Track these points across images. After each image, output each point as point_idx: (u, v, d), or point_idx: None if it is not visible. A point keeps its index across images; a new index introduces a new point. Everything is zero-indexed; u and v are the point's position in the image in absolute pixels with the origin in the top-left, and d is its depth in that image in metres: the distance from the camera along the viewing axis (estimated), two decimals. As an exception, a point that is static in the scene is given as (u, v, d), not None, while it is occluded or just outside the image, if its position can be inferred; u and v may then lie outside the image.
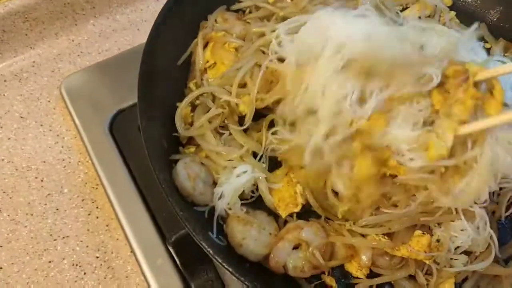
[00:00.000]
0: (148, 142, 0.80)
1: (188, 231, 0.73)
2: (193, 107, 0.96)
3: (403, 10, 1.15)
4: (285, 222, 0.87)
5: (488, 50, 1.10)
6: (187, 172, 0.83)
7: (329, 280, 0.83)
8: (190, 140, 0.93)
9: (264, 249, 0.82)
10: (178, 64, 1.00)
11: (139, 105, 0.82)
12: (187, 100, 0.93)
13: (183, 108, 0.92)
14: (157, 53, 0.92)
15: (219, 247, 0.79)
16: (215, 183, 0.87)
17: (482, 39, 1.11)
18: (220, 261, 0.73)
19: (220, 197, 0.85)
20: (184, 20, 1.01)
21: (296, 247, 0.83)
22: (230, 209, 0.84)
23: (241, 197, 0.87)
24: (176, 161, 0.86)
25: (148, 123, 0.82)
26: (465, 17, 1.15)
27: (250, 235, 0.81)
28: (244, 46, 0.96)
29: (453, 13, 1.15)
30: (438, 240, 0.79)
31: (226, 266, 0.72)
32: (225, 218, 0.85)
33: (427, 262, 0.79)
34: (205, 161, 0.89)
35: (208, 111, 0.92)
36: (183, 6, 0.99)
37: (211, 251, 0.73)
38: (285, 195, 0.88)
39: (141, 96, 0.83)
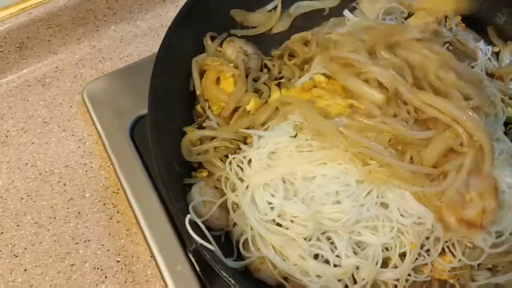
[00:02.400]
0: (161, 169, 0.80)
1: (208, 260, 0.74)
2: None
3: (408, 17, 1.15)
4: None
5: (496, 54, 1.10)
6: (201, 198, 0.84)
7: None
8: (202, 164, 0.94)
9: (282, 274, 0.80)
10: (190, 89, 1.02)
11: (150, 130, 0.83)
12: (191, 131, 0.95)
13: (188, 137, 0.94)
14: (166, 72, 0.93)
15: (238, 275, 0.79)
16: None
17: (490, 43, 1.11)
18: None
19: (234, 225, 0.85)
20: (193, 37, 1.03)
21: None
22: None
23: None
24: (190, 185, 0.87)
25: (161, 147, 0.83)
26: (472, 21, 1.13)
27: (268, 260, 0.80)
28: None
29: (459, 17, 1.14)
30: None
31: None
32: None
33: (451, 281, 0.79)
34: (219, 184, 0.89)
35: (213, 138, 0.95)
36: (191, 24, 1.00)
37: (232, 281, 0.73)
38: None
39: (152, 121, 0.85)
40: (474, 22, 1.13)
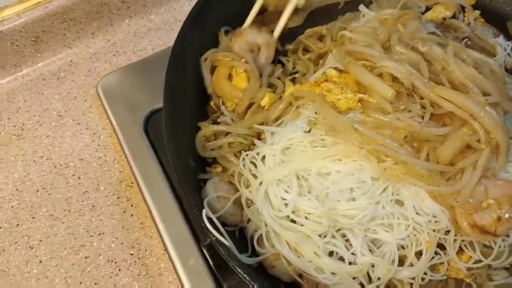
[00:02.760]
0: (176, 163, 0.80)
1: (222, 255, 0.74)
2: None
3: (425, 11, 1.13)
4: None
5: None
6: (216, 194, 0.83)
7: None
8: (216, 159, 0.94)
9: (296, 270, 0.80)
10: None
11: (165, 124, 0.83)
12: (205, 126, 0.95)
13: (202, 132, 0.94)
14: (181, 67, 0.93)
15: (253, 271, 0.79)
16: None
17: (510, 37, 1.09)
18: (249, 281, 0.73)
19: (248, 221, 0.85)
20: (208, 32, 1.03)
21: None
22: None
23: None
24: (204, 180, 0.88)
25: (175, 142, 0.83)
26: (491, 16, 1.11)
27: (282, 256, 0.80)
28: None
29: (477, 12, 1.12)
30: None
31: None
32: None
33: (467, 280, 0.78)
34: (233, 180, 0.88)
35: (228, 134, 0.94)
36: (206, 19, 1.00)
37: (247, 278, 0.73)
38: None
39: (167, 115, 0.85)
40: (493, 17, 1.11)
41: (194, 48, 0.98)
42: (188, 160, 0.88)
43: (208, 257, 0.86)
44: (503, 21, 1.11)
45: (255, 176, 0.86)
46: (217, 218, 0.77)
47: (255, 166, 0.87)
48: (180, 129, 0.87)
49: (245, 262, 0.78)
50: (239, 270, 0.72)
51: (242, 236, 0.86)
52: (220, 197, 0.82)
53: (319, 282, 0.78)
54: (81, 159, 1.12)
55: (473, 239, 0.78)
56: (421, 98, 0.83)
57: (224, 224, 0.78)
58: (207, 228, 0.74)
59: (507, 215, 0.73)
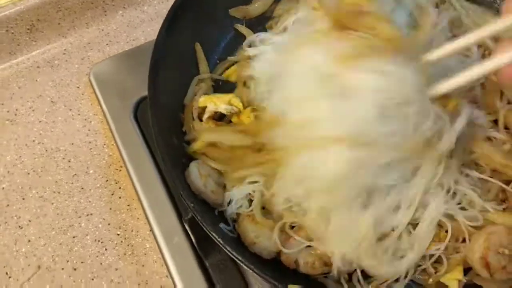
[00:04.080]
0: (160, 143, 0.82)
1: (199, 222, 0.76)
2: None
3: None
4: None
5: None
6: (198, 171, 0.85)
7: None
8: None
9: (277, 246, 0.81)
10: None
11: (149, 102, 0.86)
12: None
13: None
14: (168, 48, 0.95)
15: (229, 238, 0.81)
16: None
17: None
18: (229, 249, 0.74)
19: (229, 203, 0.87)
20: (193, 21, 1.05)
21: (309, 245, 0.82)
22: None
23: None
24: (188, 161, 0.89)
25: (158, 119, 0.85)
26: None
27: (263, 233, 0.82)
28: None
29: None
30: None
31: (235, 255, 0.74)
32: (237, 219, 0.87)
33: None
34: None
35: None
36: (191, 11, 1.02)
37: (221, 241, 0.74)
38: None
39: (151, 92, 0.88)
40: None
41: (182, 28, 1.00)
42: (172, 139, 0.90)
43: (190, 233, 0.88)
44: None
45: None
46: (199, 195, 0.79)
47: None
48: (164, 109, 0.90)
49: (224, 229, 0.80)
50: (214, 235, 0.74)
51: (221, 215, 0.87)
52: (203, 174, 0.84)
53: (297, 258, 0.80)
54: (72, 143, 1.14)
55: (472, 263, 0.80)
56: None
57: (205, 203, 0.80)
58: (183, 194, 0.76)
59: (508, 268, 0.77)
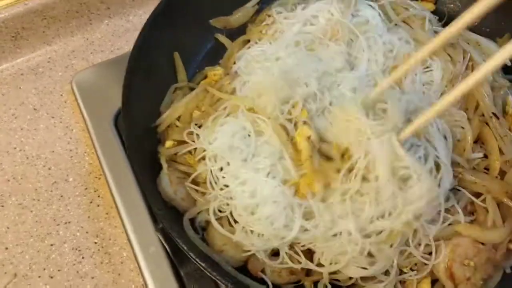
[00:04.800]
0: (130, 144, 0.85)
1: (165, 228, 0.77)
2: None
3: None
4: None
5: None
6: (169, 178, 0.86)
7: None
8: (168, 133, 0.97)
9: (244, 254, 0.82)
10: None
11: (123, 107, 0.88)
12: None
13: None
14: (146, 54, 0.98)
15: (193, 244, 0.81)
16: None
17: None
18: (193, 256, 0.75)
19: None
20: (174, 27, 1.07)
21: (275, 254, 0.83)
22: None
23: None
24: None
25: (131, 124, 0.87)
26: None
27: (230, 241, 0.82)
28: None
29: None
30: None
31: (199, 262, 0.75)
32: (206, 227, 0.88)
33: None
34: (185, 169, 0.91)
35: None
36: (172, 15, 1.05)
37: (185, 247, 0.76)
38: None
39: (125, 97, 0.89)
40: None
41: (161, 36, 1.02)
42: (146, 146, 0.91)
43: (163, 242, 0.89)
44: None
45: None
46: (169, 203, 0.80)
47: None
48: (139, 116, 0.91)
49: (191, 236, 0.81)
50: (179, 241, 0.75)
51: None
52: (173, 182, 0.85)
53: (264, 267, 0.81)
54: (53, 151, 1.15)
55: (438, 273, 0.82)
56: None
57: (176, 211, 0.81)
58: (150, 201, 0.78)
59: (476, 282, 0.79)
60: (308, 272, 0.83)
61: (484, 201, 0.86)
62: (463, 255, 0.79)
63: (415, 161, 0.78)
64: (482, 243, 0.82)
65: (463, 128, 0.92)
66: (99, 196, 1.08)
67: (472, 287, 0.78)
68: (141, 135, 0.90)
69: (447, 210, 0.83)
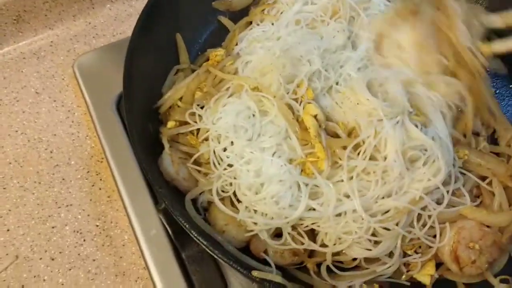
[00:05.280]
0: (131, 125, 0.83)
1: (166, 206, 0.76)
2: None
3: None
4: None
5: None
6: (171, 158, 0.85)
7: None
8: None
9: (246, 235, 0.82)
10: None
11: (124, 88, 0.86)
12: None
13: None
14: (147, 35, 0.96)
15: (195, 223, 0.81)
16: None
17: None
18: (195, 235, 0.74)
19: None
20: (174, 11, 1.05)
21: (278, 235, 0.83)
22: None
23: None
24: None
25: (132, 105, 0.85)
26: None
27: (232, 221, 0.82)
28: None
29: None
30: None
31: (201, 240, 0.74)
32: (208, 207, 0.87)
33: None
34: (187, 149, 0.90)
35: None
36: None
37: (187, 226, 0.75)
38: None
39: (127, 78, 0.88)
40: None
41: (163, 18, 1.01)
42: (148, 126, 0.90)
43: (165, 223, 0.88)
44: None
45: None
46: (171, 183, 0.79)
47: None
48: (140, 97, 0.90)
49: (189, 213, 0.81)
50: (180, 219, 0.74)
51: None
52: (175, 162, 0.84)
53: (266, 248, 0.80)
54: (55, 134, 1.14)
55: (443, 256, 0.81)
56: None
57: (178, 191, 0.80)
58: (151, 179, 0.77)
59: (481, 264, 0.78)
60: (311, 254, 0.82)
61: (490, 184, 0.85)
62: (468, 237, 0.78)
63: (433, 143, 0.78)
64: (488, 226, 0.81)
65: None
66: (101, 179, 1.08)
67: (477, 270, 0.77)
68: (142, 116, 0.89)
69: (453, 193, 0.81)
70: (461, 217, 0.81)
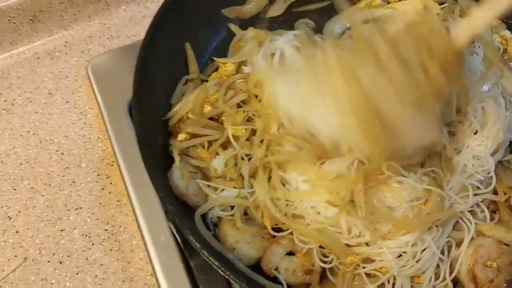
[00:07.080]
0: (141, 137, 0.82)
1: (176, 224, 0.75)
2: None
3: None
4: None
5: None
6: (181, 172, 0.84)
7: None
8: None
9: (257, 252, 0.81)
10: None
11: (134, 99, 0.85)
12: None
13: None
14: (157, 46, 0.95)
15: (206, 242, 0.79)
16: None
17: None
18: (207, 255, 0.73)
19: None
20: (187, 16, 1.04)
21: (290, 253, 0.81)
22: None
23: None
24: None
25: (142, 116, 0.85)
26: None
27: (243, 239, 0.81)
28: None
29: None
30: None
31: (213, 261, 0.73)
32: (217, 223, 0.86)
33: None
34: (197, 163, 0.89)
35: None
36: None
37: (198, 246, 0.74)
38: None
39: (137, 89, 0.86)
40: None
41: (173, 27, 1.00)
42: (156, 137, 0.89)
43: (174, 231, 0.87)
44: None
45: None
46: (180, 198, 0.77)
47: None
48: (150, 108, 0.89)
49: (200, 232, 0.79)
50: (191, 239, 0.73)
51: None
52: (185, 176, 0.83)
53: (277, 266, 0.79)
54: (66, 136, 1.14)
55: (459, 275, 0.79)
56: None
57: (187, 205, 0.79)
58: (161, 197, 0.76)
59: (495, 282, 0.76)
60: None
61: (508, 200, 0.82)
62: (486, 256, 0.76)
63: None
64: (506, 244, 0.78)
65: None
66: (111, 183, 1.07)
67: None
68: (151, 127, 0.88)
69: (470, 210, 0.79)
70: (479, 233, 0.79)
